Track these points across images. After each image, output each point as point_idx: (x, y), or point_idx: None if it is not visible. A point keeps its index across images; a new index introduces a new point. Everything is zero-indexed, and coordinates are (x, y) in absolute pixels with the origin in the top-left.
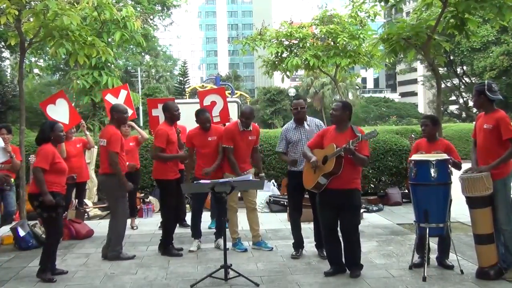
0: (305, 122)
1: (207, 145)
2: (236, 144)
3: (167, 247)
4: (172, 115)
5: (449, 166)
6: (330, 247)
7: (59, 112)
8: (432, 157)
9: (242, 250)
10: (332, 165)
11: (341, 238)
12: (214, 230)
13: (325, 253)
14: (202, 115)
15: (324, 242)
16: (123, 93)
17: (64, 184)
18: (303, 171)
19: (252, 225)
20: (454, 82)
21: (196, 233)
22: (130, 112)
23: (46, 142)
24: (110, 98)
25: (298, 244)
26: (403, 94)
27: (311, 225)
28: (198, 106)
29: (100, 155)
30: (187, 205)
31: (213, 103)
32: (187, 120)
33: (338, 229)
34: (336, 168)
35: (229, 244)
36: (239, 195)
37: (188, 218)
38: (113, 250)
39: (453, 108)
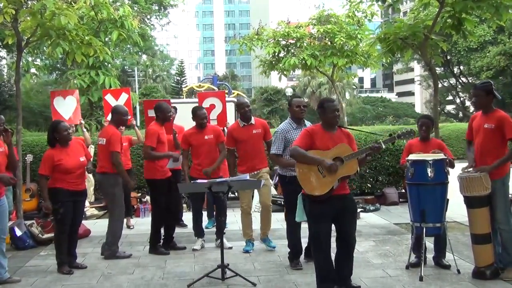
0: (305, 121)
1: (204, 143)
2: (241, 142)
3: (154, 245)
4: (164, 116)
5: (446, 165)
6: (330, 263)
7: (64, 106)
8: (429, 156)
9: (245, 251)
10: (356, 166)
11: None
12: (211, 230)
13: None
14: (199, 111)
15: (322, 258)
16: (123, 96)
17: (72, 180)
18: (300, 177)
19: (263, 224)
20: (451, 82)
21: (199, 231)
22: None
23: (52, 145)
24: (109, 99)
25: (298, 253)
26: (400, 94)
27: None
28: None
29: (97, 154)
30: (184, 205)
31: (212, 106)
32: (185, 120)
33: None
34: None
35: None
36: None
37: (185, 218)
38: (109, 249)
39: (450, 108)
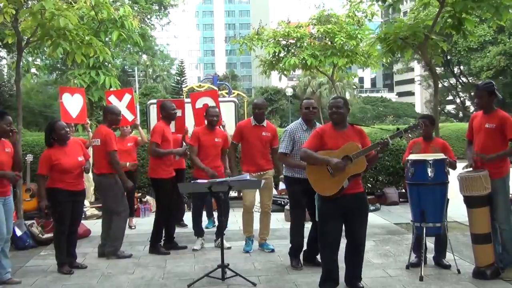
0: (316, 123)
1: (214, 145)
2: (248, 140)
3: (154, 245)
4: (167, 114)
5: (446, 165)
6: (335, 262)
7: (72, 104)
8: (429, 156)
9: (245, 251)
10: (364, 164)
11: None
12: (211, 229)
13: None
14: (211, 108)
15: (328, 257)
16: (127, 97)
17: (71, 180)
18: (310, 178)
19: (261, 228)
20: (451, 82)
21: (199, 231)
22: (131, 117)
23: (50, 144)
24: (113, 100)
25: (299, 250)
26: (400, 94)
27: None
28: None
29: (93, 155)
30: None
31: (205, 106)
32: (185, 119)
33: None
34: (366, 167)
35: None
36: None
37: (185, 218)
38: (111, 245)
39: (450, 107)
